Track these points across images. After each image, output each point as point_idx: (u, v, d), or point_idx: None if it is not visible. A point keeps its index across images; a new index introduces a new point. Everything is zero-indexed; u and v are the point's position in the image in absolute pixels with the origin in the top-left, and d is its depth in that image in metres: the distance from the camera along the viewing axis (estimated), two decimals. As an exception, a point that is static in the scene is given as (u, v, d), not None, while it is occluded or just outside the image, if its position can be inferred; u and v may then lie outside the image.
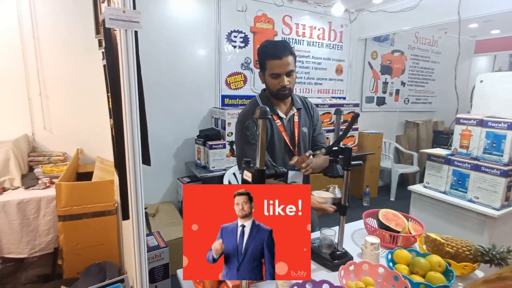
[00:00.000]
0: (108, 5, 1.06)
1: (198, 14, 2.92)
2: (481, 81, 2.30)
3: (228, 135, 2.81)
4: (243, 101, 3.29)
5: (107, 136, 1.98)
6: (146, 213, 2.55)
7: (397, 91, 4.46)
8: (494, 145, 2.10)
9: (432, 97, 4.89)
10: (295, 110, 1.49)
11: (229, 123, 2.79)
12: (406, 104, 4.61)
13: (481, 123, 2.15)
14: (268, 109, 0.77)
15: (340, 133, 1.29)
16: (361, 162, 1.39)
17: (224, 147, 2.74)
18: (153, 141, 2.80)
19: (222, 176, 2.60)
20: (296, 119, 1.49)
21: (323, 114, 3.56)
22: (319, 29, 3.65)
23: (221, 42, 3.06)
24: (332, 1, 3.46)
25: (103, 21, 0.89)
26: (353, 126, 3.77)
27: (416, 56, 4.53)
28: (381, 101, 4.32)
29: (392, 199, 4.17)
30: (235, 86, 3.23)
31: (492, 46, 4.82)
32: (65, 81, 2.44)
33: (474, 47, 5.00)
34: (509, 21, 4.29)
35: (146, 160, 1.09)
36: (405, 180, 4.59)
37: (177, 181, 2.99)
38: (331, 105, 3.62)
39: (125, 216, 1.09)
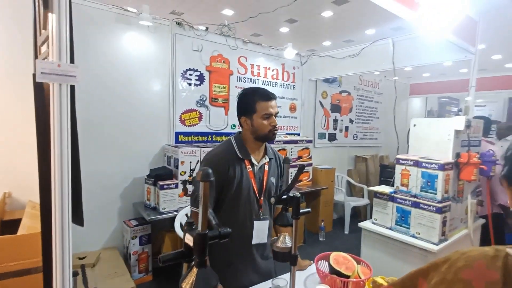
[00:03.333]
0: (43, 59, 0.99)
1: (153, 51, 2.90)
2: (414, 125, 2.56)
3: (181, 174, 2.71)
4: (197, 138, 3.24)
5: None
6: (82, 265, 2.28)
7: (347, 128, 4.79)
8: (429, 183, 2.30)
9: (377, 133, 5.32)
10: (267, 159, 1.51)
11: (182, 162, 2.70)
12: (355, 139, 4.94)
13: (416, 163, 2.36)
14: (210, 171, 0.75)
15: (289, 183, 1.31)
16: (310, 209, 1.40)
17: (177, 187, 2.63)
18: (98, 180, 2.61)
19: (173, 218, 2.46)
20: (266, 168, 1.51)
21: (278, 150, 3.63)
22: (273, 70, 3.85)
23: (176, 79, 3.04)
24: (284, 46, 3.70)
25: (34, 74, 0.82)
26: (307, 162, 3.92)
27: (361, 96, 4.96)
28: (332, 137, 4.58)
29: (346, 232, 4.28)
30: (190, 123, 3.19)
31: (424, 89, 5.48)
32: (-6, 118, 2.20)
33: (409, 89, 5.65)
34: (437, 68, 4.96)
35: (77, 219, 0.98)
36: (357, 213, 4.78)
37: (123, 224, 2.75)
38: (286, 142, 3.73)
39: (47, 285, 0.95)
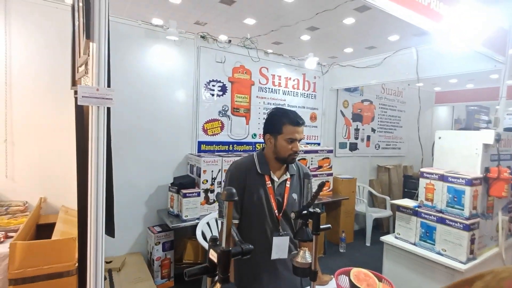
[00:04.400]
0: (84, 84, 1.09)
1: (179, 64, 3.03)
2: (440, 138, 2.49)
3: (203, 182, 2.78)
4: (219, 147, 3.32)
5: (73, 184, 1.90)
6: (109, 270, 2.38)
7: (368, 137, 4.70)
8: (455, 199, 2.22)
9: (401, 142, 5.18)
10: (288, 176, 1.53)
11: (204, 171, 2.78)
12: (377, 149, 4.84)
13: (442, 178, 2.29)
14: (234, 191, 0.79)
15: (309, 199, 1.32)
16: (330, 226, 1.41)
17: (199, 195, 2.70)
18: (125, 187, 2.74)
19: (195, 226, 2.53)
20: (288, 184, 1.52)
21: (299, 160, 3.64)
22: (294, 80, 3.87)
23: (200, 90, 3.15)
24: (305, 56, 3.72)
25: (75, 98, 0.91)
26: (328, 172, 3.89)
27: (384, 105, 4.87)
28: (353, 147, 4.51)
29: (368, 244, 4.18)
30: (212, 132, 3.27)
31: (451, 97, 5.29)
32: (34, 128, 2.37)
33: (435, 97, 5.47)
34: (465, 75, 4.78)
35: (109, 231, 1.05)
36: (379, 224, 4.66)
37: (148, 230, 2.86)
38: (306, 152, 3.72)
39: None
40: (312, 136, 4.11)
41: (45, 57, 2.38)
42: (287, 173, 1.54)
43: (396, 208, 2.58)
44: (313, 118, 4.09)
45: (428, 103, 5.41)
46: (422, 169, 2.44)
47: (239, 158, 1.60)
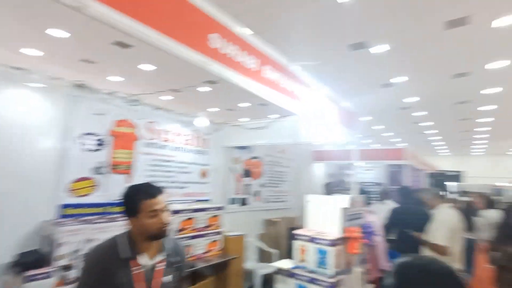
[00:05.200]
0: None
1: (43, 112, 2.58)
2: (308, 201, 2.79)
3: (58, 258, 2.27)
4: (90, 210, 2.85)
5: None
6: None
7: (258, 192, 4.95)
8: (322, 259, 2.45)
9: (286, 195, 5.66)
10: (163, 256, 1.40)
11: (61, 243, 2.29)
12: (266, 203, 5.12)
13: (311, 239, 2.52)
14: None
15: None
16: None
17: (49, 276, 2.17)
18: None
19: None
20: (160, 266, 1.38)
21: (186, 219, 3.47)
22: (184, 136, 3.84)
23: (69, 144, 2.72)
24: (196, 114, 3.80)
25: None
26: (217, 230, 3.81)
27: (271, 161, 5.32)
28: (243, 202, 4.65)
29: (256, 302, 4.13)
30: (82, 193, 2.81)
31: (324, 156, 6.24)
32: None
33: (314, 155, 6.34)
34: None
35: None
36: (268, 280, 4.72)
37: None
38: (195, 210, 3.59)
39: None
40: (203, 193, 4.05)
41: None
42: (162, 252, 1.40)
43: (276, 271, 2.66)
44: (204, 174, 4.07)
45: (308, 160, 6.21)
46: (294, 232, 2.63)
47: (97, 245, 1.37)
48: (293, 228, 5.16)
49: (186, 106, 9.98)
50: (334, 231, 2.57)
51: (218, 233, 3.82)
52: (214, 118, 4.16)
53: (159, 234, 1.36)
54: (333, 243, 2.41)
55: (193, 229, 3.51)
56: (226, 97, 9.47)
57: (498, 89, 10.11)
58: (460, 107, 12.08)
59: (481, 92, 10.21)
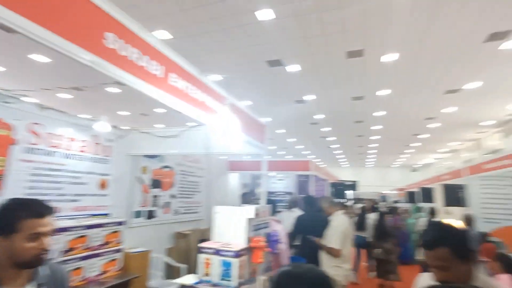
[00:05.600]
0: None
1: None
2: (217, 213, 2.76)
3: None
4: None
5: None
6: None
7: (168, 204, 4.68)
8: (226, 271, 2.43)
9: (199, 207, 5.51)
10: (33, 286, 1.15)
11: None
12: (176, 215, 4.87)
13: (216, 252, 2.48)
14: None
15: None
16: None
17: None
18: None
19: None
20: None
21: (78, 237, 3.01)
22: (80, 141, 3.37)
23: None
24: (97, 118, 3.39)
25: None
26: (116, 248, 3.42)
27: (184, 171, 5.12)
28: (151, 215, 4.31)
29: (160, 323, 3.84)
30: None
31: (238, 166, 6.35)
32: None
33: (228, 165, 6.39)
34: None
35: None
36: (175, 296, 4.46)
37: None
38: (89, 227, 3.15)
39: None
40: (101, 206, 3.59)
41: None
42: (33, 282, 1.15)
43: (179, 287, 2.51)
44: (103, 185, 3.63)
45: (224, 170, 6.22)
46: (200, 245, 2.55)
47: None
48: (204, 241, 5.06)
49: (91, 107, 8.94)
50: (239, 242, 2.58)
51: (118, 250, 3.43)
52: (126, 123, 3.79)
53: (35, 262, 1.13)
54: (238, 254, 2.41)
55: (86, 248, 3.06)
56: (137, 101, 8.87)
57: (384, 113, 12.15)
58: (357, 126, 14.09)
59: (373, 114, 12.13)
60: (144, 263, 3.78)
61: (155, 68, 1.94)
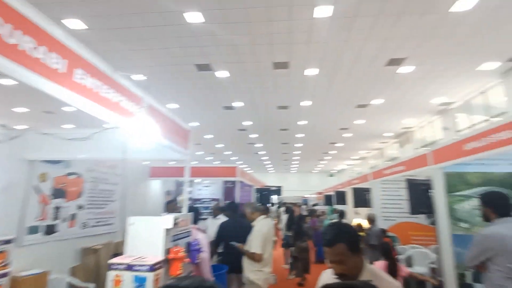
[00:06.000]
0: None
1: None
2: (132, 224, 2.53)
3: None
4: None
5: None
6: None
7: (73, 216, 4.08)
8: (140, 287, 2.23)
9: (113, 218, 4.98)
10: None
11: None
12: (85, 228, 4.29)
13: (129, 267, 2.26)
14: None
15: None
16: None
17: None
18: None
19: None
20: None
21: None
22: (-48, 142, 2.70)
23: None
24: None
25: None
26: (2, 272, 2.82)
27: (96, 178, 4.56)
28: (50, 230, 3.69)
29: None
30: None
31: (162, 173, 6.00)
32: None
33: (150, 172, 5.97)
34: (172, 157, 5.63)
35: None
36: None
37: None
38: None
39: None
40: (-20, 222, 2.92)
41: None
42: None
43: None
44: (-15, 196, 2.97)
45: (143, 177, 5.78)
46: (110, 261, 2.29)
47: None
48: (118, 254, 4.59)
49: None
50: (156, 254, 2.41)
51: (4, 275, 2.84)
52: (25, 121, 3.17)
53: None
54: (153, 268, 2.24)
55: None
56: (39, 96, 7.73)
57: (305, 122, 13.14)
58: (282, 133, 14.91)
59: (297, 123, 13.00)
60: (39, 286, 3.21)
61: (55, 62, 1.68)
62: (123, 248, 4.80)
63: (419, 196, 4.29)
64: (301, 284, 6.27)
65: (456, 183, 3.74)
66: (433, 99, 10.16)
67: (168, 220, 2.49)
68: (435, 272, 5.21)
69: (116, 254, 4.57)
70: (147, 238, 2.50)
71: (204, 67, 7.82)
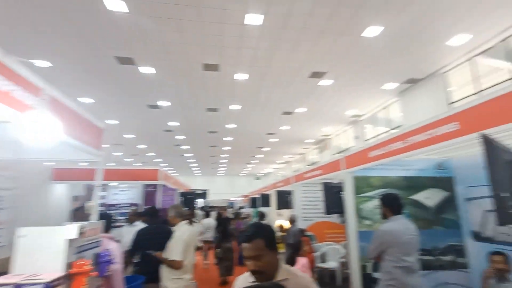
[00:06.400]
0: None
1: None
2: (21, 236, 2.12)
3: None
4: None
5: None
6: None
7: None
8: (29, 312, 1.87)
9: (1, 229, 4.12)
10: None
11: None
12: (-43, 244, 3.44)
13: (18, 287, 1.88)
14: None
15: None
16: None
17: None
18: None
19: None
20: None
21: None
22: None
23: None
24: None
25: None
26: None
27: (-22, 182, 3.72)
28: None
29: None
30: None
31: (68, 176, 5.24)
32: None
33: (53, 174, 5.15)
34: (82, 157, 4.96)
35: None
36: None
37: None
38: None
39: None
40: None
41: None
42: None
43: None
44: None
45: (44, 180, 4.94)
46: (-12, 283, 1.87)
47: None
48: (5, 274, 3.83)
49: None
50: (55, 270, 2.07)
51: None
52: None
53: None
54: (50, 285, 1.91)
55: None
56: None
57: (234, 125, 13.28)
58: (211, 136, 14.75)
59: (226, 126, 13.03)
60: None
61: None
62: (6, 268, 4.03)
63: (333, 198, 4.73)
64: (225, 283, 6.30)
65: (362, 185, 4.25)
66: (347, 110, 11.44)
67: (71, 229, 2.17)
68: (344, 265, 5.83)
69: (3, 273, 3.80)
70: (44, 252, 2.13)
71: (126, 61, 7.20)
